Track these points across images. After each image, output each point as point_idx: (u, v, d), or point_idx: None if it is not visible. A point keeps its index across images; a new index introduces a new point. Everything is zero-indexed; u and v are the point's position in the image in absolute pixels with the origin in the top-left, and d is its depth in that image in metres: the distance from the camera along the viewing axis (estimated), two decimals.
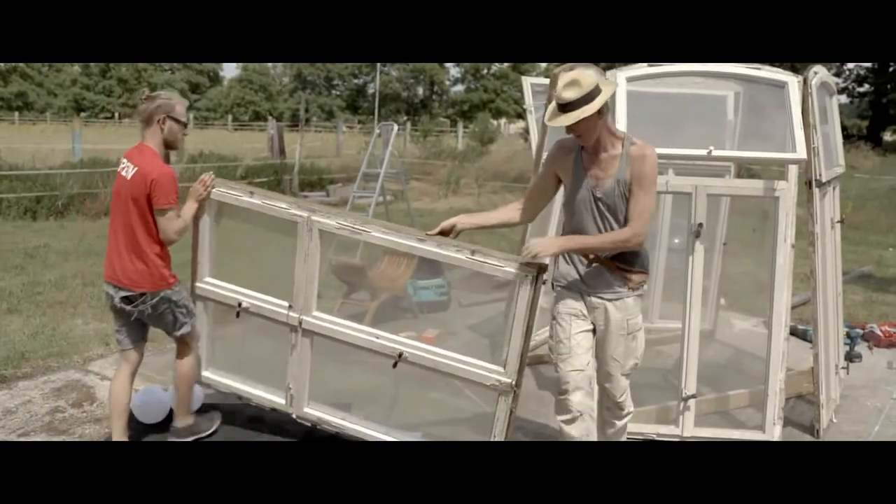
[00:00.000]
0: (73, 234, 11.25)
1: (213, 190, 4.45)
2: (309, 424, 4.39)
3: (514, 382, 3.58)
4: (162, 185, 4.03)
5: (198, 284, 4.66)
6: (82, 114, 51.35)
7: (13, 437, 4.47)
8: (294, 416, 4.38)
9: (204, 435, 4.50)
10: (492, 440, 3.67)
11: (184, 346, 4.41)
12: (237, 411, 4.87)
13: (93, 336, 6.31)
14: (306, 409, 4.36)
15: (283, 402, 4.40)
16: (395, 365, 3.99)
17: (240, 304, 4.49)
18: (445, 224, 3.71)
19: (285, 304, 4.29)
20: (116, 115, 56.19)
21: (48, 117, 50.06)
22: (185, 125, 4.21)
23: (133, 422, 4.62)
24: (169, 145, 4.24)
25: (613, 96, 3.91)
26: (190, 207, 4.40)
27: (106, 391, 5.19)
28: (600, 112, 3.32)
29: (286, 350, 4.33)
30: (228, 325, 4.78)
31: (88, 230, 11.72)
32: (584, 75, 3.27)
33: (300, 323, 4.23)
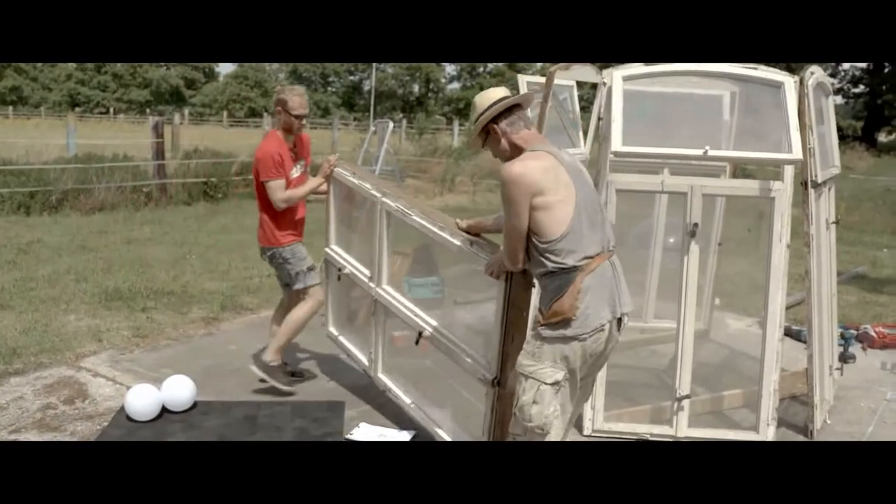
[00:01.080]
0: (66, 230, 11.21)
1: (336, 170, 5.01)
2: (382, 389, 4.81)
3: (495, 379, 3.55)
4: (262, 161, 4.91)
5: (325, 249, 5.36)
6: (77, 109, 51.27)
7: (4, 434, 4.45)
8: (372, 377, 4.87)
9: (271, 384, 5.10)
10: (476, 440, 3.68)
11: (297, 299, 5.17)
12: (232, 409, 4.86)
13: (85, 332, 6.29)
14: (380, 375, 4.78)
15: (366, 363, 4.89)
16: (416, 341, 4.17)
17: (340, 270, 5.05)
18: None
19: (368, 273, 4.73)
20: (111, 110, 56.05)
21: (42, 112, 49.99)
22: (299, 116, 4.96)
23: (125, 419, 4.61)
24: (288, 130, 5.01)
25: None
26: (312, 182, 5.09)
27: (98, 388, 5.19)
28: (488, 132, 3.26)
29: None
30: (353, 289, 5.25)
31: (82, 226, 11.68)
32: (481, 96, 3.27)
33: (375, 292, 4.62)
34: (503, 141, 3.23)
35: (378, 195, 4.43)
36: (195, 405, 4.83)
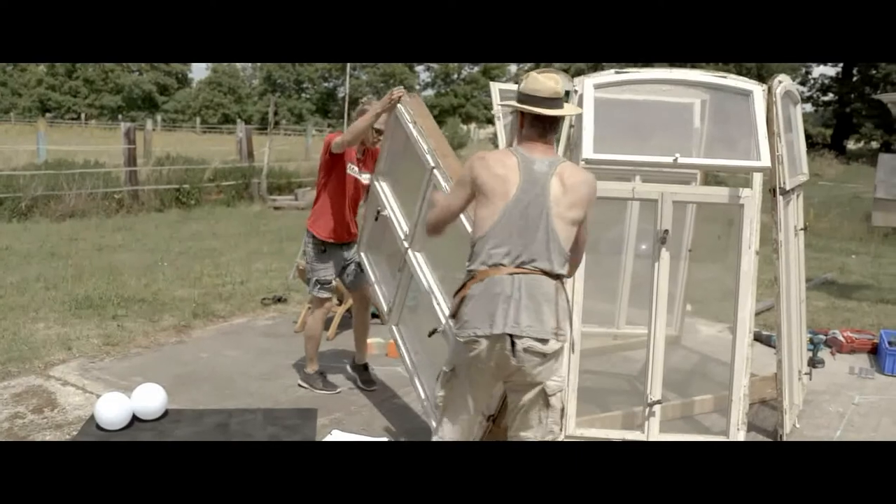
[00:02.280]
0: (36, 237, 11.09)
1: (399, 106, 4.70)
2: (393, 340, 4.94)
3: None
4: (331, 138, 5.05)
5: (373, 181, 5.15)
6: (47, 114, 50.68)
7: None
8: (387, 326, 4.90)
9: (309, 386, 5.42)
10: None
11: (358, 298, 5.50)
12: (204, 417, 4.83)
13: (55, 341, 6.22)
14: (393, 327, 4.80)
15: (385, 309, 4.90)
16: (430, 334, 3.94)
17: (379, 211, 4.97)
18: None
19: (406, 230, 4.61)
20: (82, 115, 55.48)
21: (12, 118, 49.33)
22: (379, 131, 4.98)
23: (95, 428, 4.56)
24: (362, 141, 5.08)
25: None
26: (374, 108, 4.84)
27: (67, 397, 5.13)
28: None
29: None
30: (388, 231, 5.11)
31: (52, 232, 11.56)
32: (545, 81, 3.19)
33: (406, 252, 4.54)
34: (515, 128, 3.33)
35: (431, 164, 4.25)
36: (166, 413, 4.79)
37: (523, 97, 3.19)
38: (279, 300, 7.84)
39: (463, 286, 3.18)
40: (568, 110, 3.33)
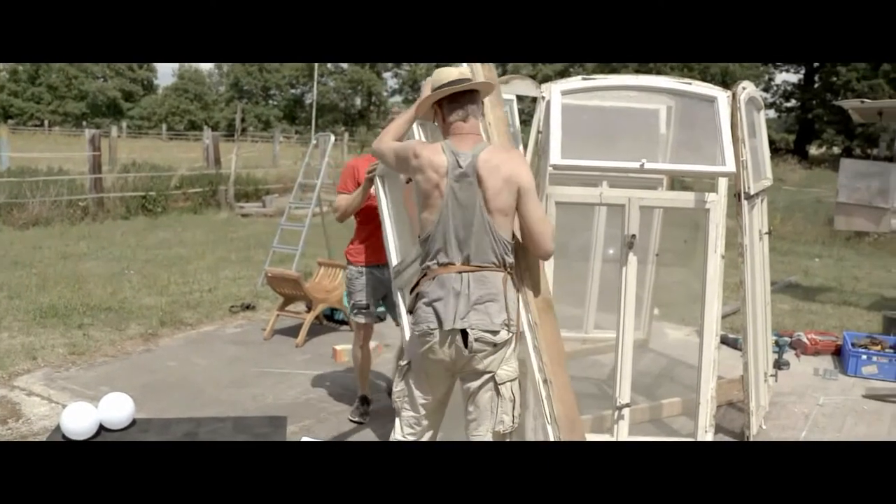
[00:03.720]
0: None
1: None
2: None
3: None
4: (341, 174, 5.04)
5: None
6: (10, 121, 50.00)
7: None
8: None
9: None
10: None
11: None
12: (172, 426, 4.78)
13: (19, 350, 6.13)
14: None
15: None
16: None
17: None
18: None
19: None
20: (46, 122, 54.77)
21: None
22: None
23: (61, 438, 4.50)
24: None
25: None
26: (358, 190, 4.75)
27: (32, 407, 5.07)
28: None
29: None
30: None
31: (16, 241, 11.40)
32: (438, 73, 3.37)
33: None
34: (439, 122, 3.38)
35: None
36: (134, 423, 4.73)
37: (435, 91, 3.32)
38: (247, 307, 7.79)
39: (417, 283, 3.30)
40: (477, 83, 3.36)
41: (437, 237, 3.20)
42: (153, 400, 5.21)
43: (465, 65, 3.45)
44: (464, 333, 3.12)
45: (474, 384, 3.23)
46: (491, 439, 3.24)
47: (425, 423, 3.39)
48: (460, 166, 3.16)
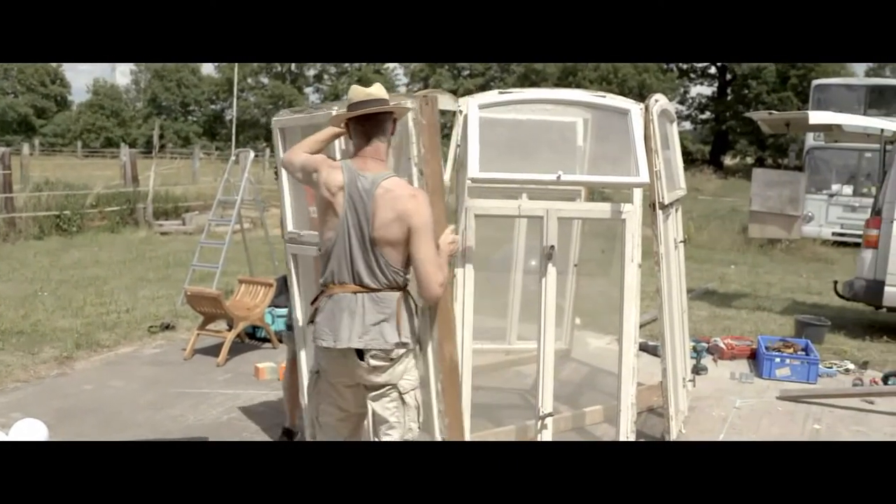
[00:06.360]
0: None
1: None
2: None
3: None
4: None
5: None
6: None
7: None
8: None
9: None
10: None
11: None
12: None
13: None
14: None
15: None
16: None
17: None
18: None
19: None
20: None
21: None
22: None
23: None
24: None
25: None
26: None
27: None
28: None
29: None
30: None
31: None
32: (354, 90, 3.32)
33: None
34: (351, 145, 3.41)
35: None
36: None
37: (338, 113, 3.39)
38: (167, 327, 7.63)
39: (316, 298, 3.38)
40: (379, 104, 3.28)
41: (334, 256, 3.24)
42: (68, 425, 5.05)
43: (377, 84, 3.42)
44: (359, 352, 3.18)
45: (379, 394, 3.29)
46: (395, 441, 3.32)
47: (342, 425, 3.43)
48: (357, 188, 3.18)
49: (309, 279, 4.22)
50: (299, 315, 4.43)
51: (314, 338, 3.33)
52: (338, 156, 3.73)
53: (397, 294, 3.25)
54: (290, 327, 4.82)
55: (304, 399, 3.48)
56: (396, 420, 3.29)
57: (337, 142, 3.69)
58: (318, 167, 3.28)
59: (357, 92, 3.29)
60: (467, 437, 4.45)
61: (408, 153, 3.59)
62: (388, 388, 3.27)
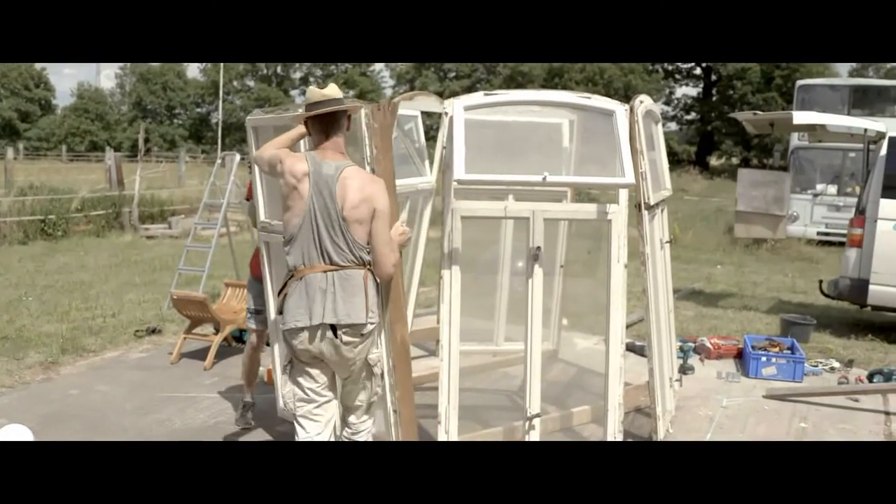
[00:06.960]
0: None
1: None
2: None
3: None
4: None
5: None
6: None
7: None
8: None
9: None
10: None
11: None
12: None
13: None
14: None
15: None
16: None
17: None
18: None
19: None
20: None
21: None
22: None
23: None
24: None
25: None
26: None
27: None
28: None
29: None
30: None
31: None
32: (311, 91, 3.64)
33: None
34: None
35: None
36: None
37: (297, 114, 3.76)
38: (153, 331, 7.59)
39: (284, 284, 3.61)
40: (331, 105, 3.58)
41: (301, 239, 3.51)
42: (53, 430, 5.02)
43: (332, 85, 3.68)
44: (333, 328, 3.47)
45: (352, 369, 3.63)
46: (364, 404, 3.77)
47: (322, 413, 3.66)
48: (322, 174, 3.48)
49: (281, 264, 4.32)
50: (271, 300, 4.83)
51: (284, 322, 3.54)
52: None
53: (363, 271, 3.55)
54: (258, 311, 5.17)
55: (281, 386, 3.63)
56: (363, 387, 3.73)
57: (302, 142, 3.93)
58: (282, 158, 3.58)
59: (314, 93, 3.61)
60: (454, 438, 4.46)
61: (362, 153, 3.96)
62: (359, 361, 3.61)
